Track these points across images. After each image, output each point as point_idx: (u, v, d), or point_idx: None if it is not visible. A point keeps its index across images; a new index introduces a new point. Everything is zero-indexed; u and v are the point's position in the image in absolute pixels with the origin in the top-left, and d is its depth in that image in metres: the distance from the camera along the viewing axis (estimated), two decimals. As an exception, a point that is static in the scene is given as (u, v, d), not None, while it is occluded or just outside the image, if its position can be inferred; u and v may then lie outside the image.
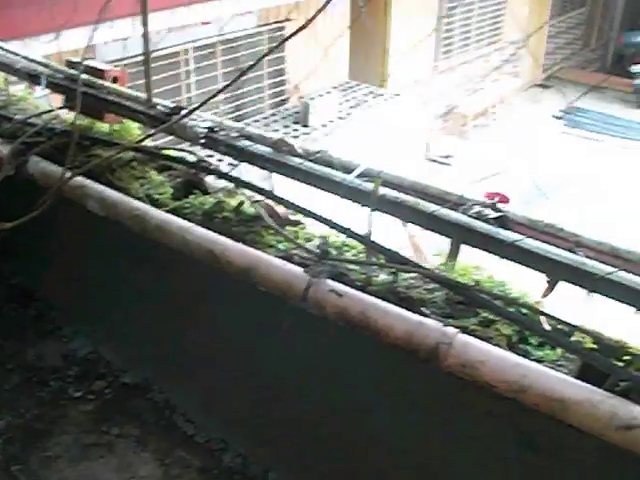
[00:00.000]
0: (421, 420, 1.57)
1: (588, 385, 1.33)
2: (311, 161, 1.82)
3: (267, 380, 1.96)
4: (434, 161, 11.28)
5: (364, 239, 1.66)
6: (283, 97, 8.52)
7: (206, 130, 2.03)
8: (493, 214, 1.54)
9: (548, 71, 16.47)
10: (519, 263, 1.48)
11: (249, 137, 1.97)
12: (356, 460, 1.83)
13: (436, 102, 12.30)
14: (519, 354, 1.47)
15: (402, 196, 1.63)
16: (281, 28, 8.42)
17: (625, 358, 1.40)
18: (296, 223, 1.93)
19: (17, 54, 2.85)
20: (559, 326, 1.48)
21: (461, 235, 1.55)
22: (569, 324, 1.49)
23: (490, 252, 1.51)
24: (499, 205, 1.57)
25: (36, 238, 2.66)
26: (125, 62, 5.76)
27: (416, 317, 1.49)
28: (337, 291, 1.56)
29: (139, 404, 2.59)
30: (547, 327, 1.50)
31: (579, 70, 17.27)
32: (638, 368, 1.37)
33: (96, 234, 2.42)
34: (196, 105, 2.02)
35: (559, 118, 14.77)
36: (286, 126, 7.61)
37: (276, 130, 7.44)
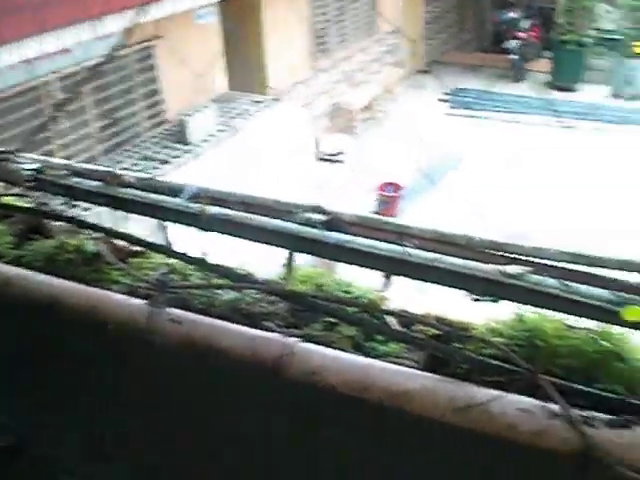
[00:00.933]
0: (277, 432, 1.55)
1: (427, 374, 1.34)
2: (141, 189, 1.77)
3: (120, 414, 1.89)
4: (325, 160, 11.37)
5: (198, 261, 1.63)
6: (161, 118, 8.38)
7: (32, 172, 1.94)
8: (322, 218, 1.52)
9: (428, 57, 16.88)
10: (349, 263, 1.47)
11: (78, 173, 1.90)
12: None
13: (320, 101, 12.40)
14: (366, 352, 1.47)
15: (231, 212, 1.60)
16: (149, 47, 8.29)
17: (467, 342, 1.41)
18: (140, 254, 1.88)
19: None
20: (398, 320, 1.48)
21: (293, 244, 1.53)
22: (410, 316, 1.50)
23: (320, 256, 1.50)
24: (327, 208, 1.55)
25: None
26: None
27: (257, 332, 1.47)
28: (175, 319, 1.52)
29: (18, 466, 2.46)
30: (393, 322, 1.50)
31: (459, 52, 17.79)
32: (477, 349, 1.39)
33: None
34: (16, 147, 1.94)
35: (444, 101, 15.18)
36: (166, 147, 7.50)
37: (156, 152, 7.32)
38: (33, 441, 2.40)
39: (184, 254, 1.67)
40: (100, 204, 1.84)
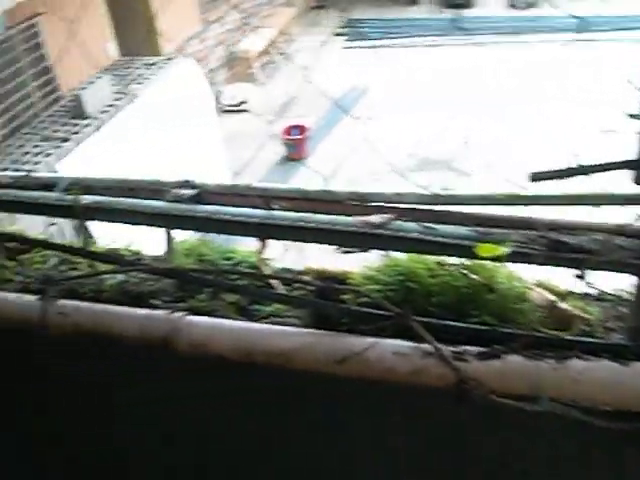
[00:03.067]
0: (172, 408, 1.63)
1: (308, 330, 1.43)
2: (18, 188, 1.78)
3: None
4: (229, 111, 11.27)
5: (81, 251, 1.67)
6: (55, 95, 8.15)
7: None
8: (191, 192, 1.57)
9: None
10: (220, 233, 1.54)
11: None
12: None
13: (216, 53, 12.22)
14: (251, 315, 1.55)
15: (102, 199, 1.64)
16: (33, 25, 7.98)
17: (344, 293, 1.49)
18: (30, 251, 1.90)
19: None
20: (280, 281, 1.56)
21: (166, 222, 1.58)
22: (290, 277, 1.58)
23: (192, 230, 1.56)
24: (194, 182, 1.60)
25: None
26: None
27: (144, 311, 1.53)
28: (63, 311, 1.57)
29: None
30: (275, 283, 1.58)
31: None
32: (353, 300, 1.47)
33: None
34: None
35: (341, 35, 15.12)
36: (65, 124, 7.32)
37: (56, 130, 7.14)
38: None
39: (66, 246, 1.71)
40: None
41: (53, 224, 2.01)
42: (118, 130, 7.18)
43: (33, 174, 1.80)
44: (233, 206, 1.55)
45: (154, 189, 1.64)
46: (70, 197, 1.67)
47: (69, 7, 7.91)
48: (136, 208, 1.59)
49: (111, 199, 1.64)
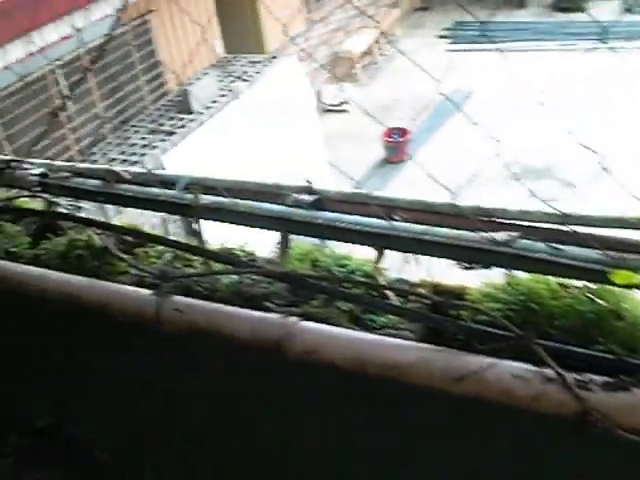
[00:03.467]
0: (281, 412, 1.63)
1: (423, 345, 1.40)
2: (138, 184, 1.82)
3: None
4: (329, 111, 11.31)
5: (197, 249, 1.70)
6: (163, 89, 8.39)
7: (38, 177, 2.01)
8: (310, 198, 1.57)
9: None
10: (339, 241, 1.53)
11: (80, 173, 1.96)
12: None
13: (319, 52, 12.28)
14: (364, 325, 1.53)
15: (222, 200, 1.66)
16: (145, 21, 8.26)
17: (461, 310, 1.46)
18: (144, 244, 1.94)
19: None
20: (394, 292, 1.54)
21: (284, 226, 1.58)
22: (406, 288, 1.55)
23: (312, 236, 1.56)
24: (314, 188, 1.60)
25: None
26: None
27: (258, 314, 1.54)
28: (179, 308, 1.59)
29: (55, 446, 2.59)
30: (390, 294, 1.56)
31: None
32: (471, 317, 1.43)
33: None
34: (21, 158, 2.00)
35: (445, 37, 14.94)
36: (171, 117, 7.52)
37: (162, 124, 7.35)
38: (67, 422, 2.53)
39: (182, 243, 1.74)
40: (101, 201, 1.90)
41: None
42: (222, 126, 7.32)
43: (154, 171, 1.83)
44: (353, 214, 1.53)
45: (273, 192, 1.65)
46: (189, 196, 1.70)
47: (179, 5, 8.14)
48: (255, 211, 1.60)
49: (230, 200, 1.66)
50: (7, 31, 6.26)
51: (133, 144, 7.03)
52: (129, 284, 1.83)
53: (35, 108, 7.02)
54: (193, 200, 1.66)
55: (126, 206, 1.85)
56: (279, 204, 1.60)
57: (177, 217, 3.18)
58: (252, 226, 1.62)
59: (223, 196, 1.67)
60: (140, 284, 1.81)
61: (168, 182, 1.78)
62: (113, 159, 6.71)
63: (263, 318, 1.53)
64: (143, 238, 1.88)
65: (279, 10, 10.61)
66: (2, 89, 6.45)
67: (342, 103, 11.56)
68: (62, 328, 2.09)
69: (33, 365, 2.47)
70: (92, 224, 1.97)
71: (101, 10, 7.09)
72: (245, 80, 8.27)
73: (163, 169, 6.19)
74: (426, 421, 1.48)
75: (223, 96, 7.87)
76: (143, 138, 7.12)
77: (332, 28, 13.15)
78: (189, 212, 1.69)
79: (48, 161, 2.07)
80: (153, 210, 1.78)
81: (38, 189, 2.04)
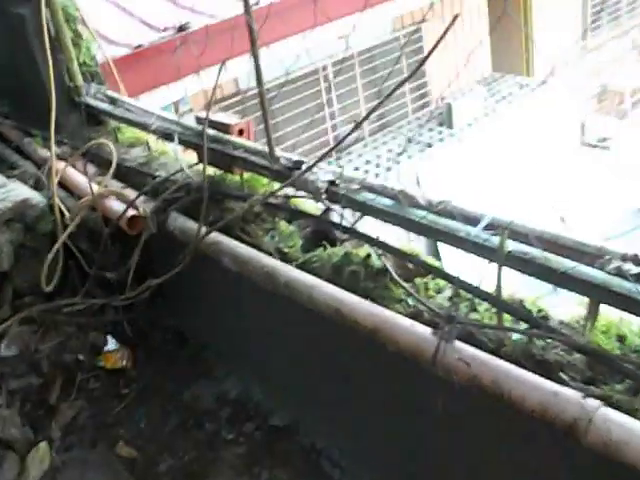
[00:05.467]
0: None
1: None
2: (433, 213, 1.73)
3: (409, 439, 1.90)
4: (591, 146, 10.66)
5: (492, 299, 1.56)
6: (425, 100, 8.37)
7: (327, 184, 2.00)
8: (634, 270, 1.38)
9: None
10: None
11: (370, 189, 1.91)
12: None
13: (588, 83, 11.63)
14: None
15: (532, 251, 1.51)
16: (417, 30, 8.28)
17: None
18: (426, 273, 1.85)
19: (153, 113, 2.99)
20: None
21: (598, 294, 1.41)
22: None
23: (631, 313, 1.36)
24: (640, 257, 1.40)
25: (183, 285, 2.74)
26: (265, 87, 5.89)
27: (552, 386, 1.38)
28: (465, 360, 1.47)
29: (287, 447, 2.61)
30: None
31: None
32: None
33: (233, 287, 2.46)
34: (315, 160, 2.00)
35: None
36: (430, 129, 7.48)
37: (421, 135, 7.32)
38: (303, 426, 2.54)
39: (473, 286, 1.61)
40: (389, 223, 1.84)
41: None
42: (481, 145, 7.14)
43: (452, 203, 1.73)
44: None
45: (587, 252, 1.48)
46: (494, 239, 1.57)
47: (451, 17, 8.06)
48: (569, 271, 1.44)
49: (541, 253, 1.51)
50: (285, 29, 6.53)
51: (389, 150, 7.07)
52: (404, 314, 1.75)
53: (301, 101, 7.29)
54: (499, 245, 1.53)
55: (418, 233, 1.76)
56: (596, 268, 1.42)
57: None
58: (560, 286, 1.46)
59: (531, 245, 1.53)
60: (416, 317, 1.73)
61: (466, 218, 1.66)
62: (368, 161, 6.79)
63: (558, 392, 1.37)
64: (426, 268, 1.79)
65: (553, 34, 10.22)
66: (273, 79, 6.75)
67: (605, 139, 10.86)
68: (324, 335, 2.08)
69: (285, 361, 2.50)
70: (373, 242, 1.92)
71: (377, 14, 7.20)
72: (510, 102, 8.02)
73: (417, 181, 6.15)
74: None
75: (485, 115, 7.69)
76: (400, 145, 7.14)
77: (605, 59, 12.40)
78: (490, 256, 1.56)
79: (339, 169, 2.04)
80: (446, 243, 1.67)
81: (324, 196, 2.03)
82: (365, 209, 1.90)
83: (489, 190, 6.42)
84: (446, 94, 8.07)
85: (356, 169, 6.73)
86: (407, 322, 1.68)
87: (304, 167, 2.08)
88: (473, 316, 1.65)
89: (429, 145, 6.99)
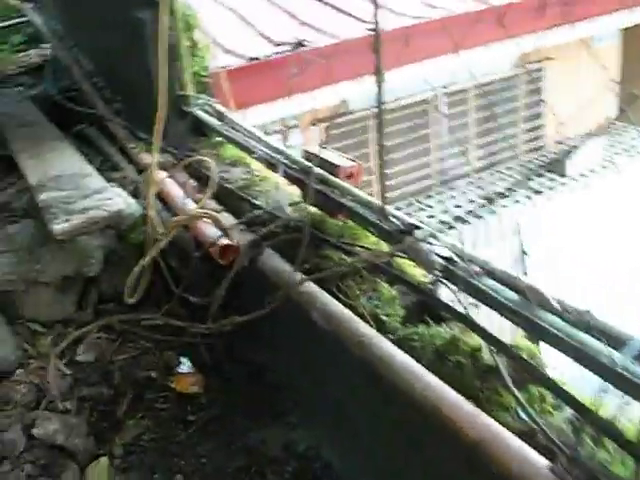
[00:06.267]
0: None
1: None
2: (567, 322, 1.49)
3: None
4: None
5: (631, 448, 1.31)
6: (539, 143, 8.00)
7: (443, 260, 1.78)
8: None
9: None
10: None
11: (493, 275, 1.68)
12: None
13: None
14: None
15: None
16: (539, 69, 7.94)
17: None
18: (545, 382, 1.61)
19: (259, 138, 2.85)
20: None
21: None
22: None
23: None
24: None
25: (268, 322, 2.58)
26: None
27: None
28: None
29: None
30: None
31: None
32: None
33: (319, 340, 2.28)
34: (433, 230, 1.79)
35: None
36: (540, 175, 7.12)
37: (530, 179, 6.98)
38: None
39: (606, 422, 1.36)
40: (510, 321, 1.61)
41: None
42: (595, 200, 6.72)
43: (592, 314, 1.48)
44: None
45: None
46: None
47: (575, 60, 7.69)
48: None
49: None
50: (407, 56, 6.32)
51: (494, 190, 6.76)
52: (513, 429, 1.52)
53: (410, 129, 7.07)
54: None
55: (545, 341, 1.52)
56: None
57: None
58: None
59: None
60: (528, 436, 1.49)
61: (611, 339, 1.41)
62: (471, 201, 6.51)
63: None
64: (545, 383, 1.54)
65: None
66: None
67: None
68: (414, 424, 1.86)
69: (363, 433, 2.31)
70: (487, 337, 1.69)
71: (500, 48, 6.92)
72: (631, 155, 7.56)
73: (518, 230, 5.84)
74: None
75: (603, 167, 7.27)
76: (507, 188, 6.83)
77: None
78: (636, 393, 1.31)
79: (458, 244, 1.82)
80: (583, 365, 1.42)
81: (437, 272, 1.82)
82: (483, 298, 1.67)
83: (600, 258, 6.01)
84: (562, 139, 7.68)
85: (457, 206, 6.45)
86: (516, 442, 1.45)
87: (418, 234, 1.87)
88: (600, 455, 1.40)
89: (537, 192, 6.63)
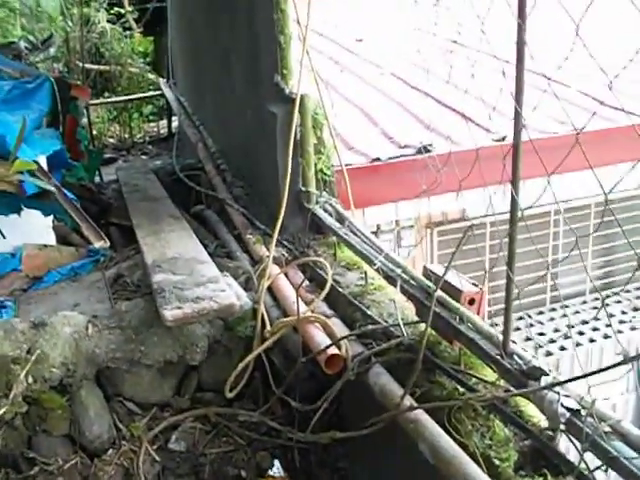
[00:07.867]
0: None
1: None
2: None
3: None
4: None
5: None
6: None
7: (569, 412, 1.65)
8: None
9: None
10: None
11: (626, 439, 1.54)
12: None
13: None
14: None
15: None
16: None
17: None
18: None
19: (380, 249, 2.82)
20: None
21: None
22: None
23: None
24: None
25: (367, 437, 2.44)
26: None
27: None
28: None
29: None
30: None
31: None
32: None
33: (423, 471, 2.15)
34: (566, 378, 1.66)
35: None
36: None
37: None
38: None
39: None
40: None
41: None
42: None
43: None
44: None
45: None
46: None
47: None
48: None
49: None
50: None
51: (610, 314, 6.42)
52: None
53: (526, 240, 6.86)
54: None
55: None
56: None
57: None
58: None
59: None
60: None
61: None
62: (584, 322, 6.20)
63: None
64: None
65: None
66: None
67: None
68: None
69: None
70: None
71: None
72: None
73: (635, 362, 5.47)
74: None
75: None
76: (624, 312, 6.46)
77: None
78: None
79: (588, 397, 1.68)
80: None
81: (561, 425, 1.68)
82: (611, 462, 1.52)
83: None
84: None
85: (571, 327, 6.15)
86: None
87: (545, 380, 1.75)
88: None
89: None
